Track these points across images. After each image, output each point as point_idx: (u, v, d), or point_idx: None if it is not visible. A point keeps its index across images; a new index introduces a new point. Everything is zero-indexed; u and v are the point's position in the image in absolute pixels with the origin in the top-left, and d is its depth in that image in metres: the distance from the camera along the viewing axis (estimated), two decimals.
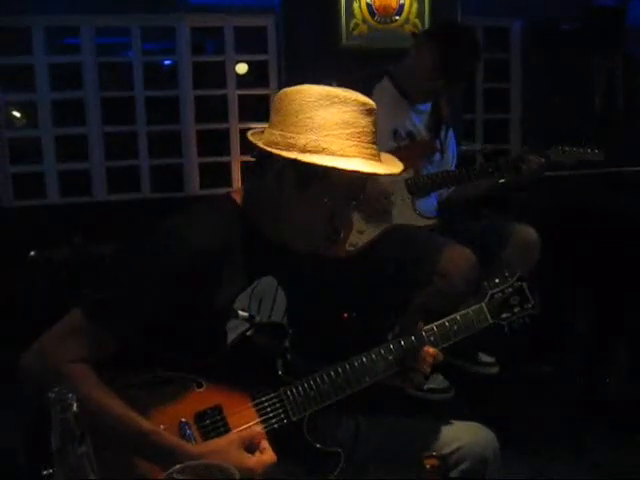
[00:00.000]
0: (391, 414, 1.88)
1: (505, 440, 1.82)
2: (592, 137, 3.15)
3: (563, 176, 4.00)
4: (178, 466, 1.07)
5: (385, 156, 1.64)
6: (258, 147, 1.56)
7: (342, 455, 1.63)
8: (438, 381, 2.96)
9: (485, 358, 3.09)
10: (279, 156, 1.52)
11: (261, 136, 1.60)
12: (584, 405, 3.15)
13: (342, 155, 1.49)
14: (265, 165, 1.60)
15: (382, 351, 1.70)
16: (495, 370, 3.09)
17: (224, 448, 1.46)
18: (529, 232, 3.05)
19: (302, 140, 1.50)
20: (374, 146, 1.55)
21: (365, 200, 2.73)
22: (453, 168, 3.11)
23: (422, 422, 1.85)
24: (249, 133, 1.62)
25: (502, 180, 2.97)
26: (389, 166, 1.60)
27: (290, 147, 1.51)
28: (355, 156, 1.51)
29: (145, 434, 1.43)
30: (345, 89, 1.57)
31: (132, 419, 1.44)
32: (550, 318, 2.03)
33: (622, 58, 4.50)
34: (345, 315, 2.49)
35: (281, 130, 1.54)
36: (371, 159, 1.53)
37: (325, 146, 1.49)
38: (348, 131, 1.51)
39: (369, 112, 1.54)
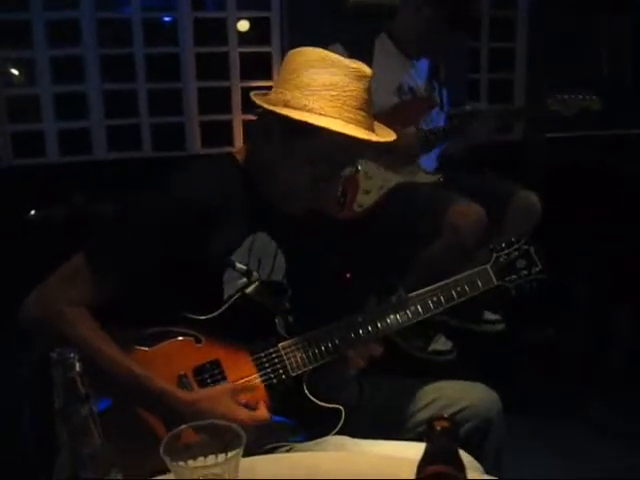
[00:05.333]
0: (395, 376, 1.88)
1: (507, 402, 1.83)
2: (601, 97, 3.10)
3: (568, 137, 3.97)
4: (184, 426, 1.06)
5: (380, 127, 1.64)
6: (254, 102, 1.60)
7: (343, 413, 1.64)
8: (441, 342, 2.97)
9: (490, 316, 3.09)
10: (268, 111, 1.56)
11: (263, 96, 1.63)
12: (587, 368, 3.16)
13: (321, 114, 1.51)
14: (257, 121, 1.65)
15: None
16: (501, 327, 3.10)
17: (216, 396, 1.50)
18: (530, 196, 3.05)
19: (288, 96, 1.55)
20: (361, 112, 1.55)
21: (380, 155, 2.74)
22: None
23: (426, 383, 1.85)
24: (252, 93, 1.64)
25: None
26: (375, 134, 1.58)
27: (277, 102, 1.56)
28: (335, 117, 1.51)
29: (136, 377, 1.47)
30: (344, 57, 1.59)
31: (125, 362, 1.48)
32: (553, 281, 2.02)
33: (630, 20, 4.42)
34: (348, 276, 2.48)
35: (276, 88, 1.60)
36: (352, 123, 1.52)
37: (306, 103, 1.52)
38: (334, 93, 1.52)
39: (360, 78, 1.55)
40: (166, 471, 1.05)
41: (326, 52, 1.58)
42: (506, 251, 1.84)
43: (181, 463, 0.99)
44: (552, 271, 1.87)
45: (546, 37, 4.31)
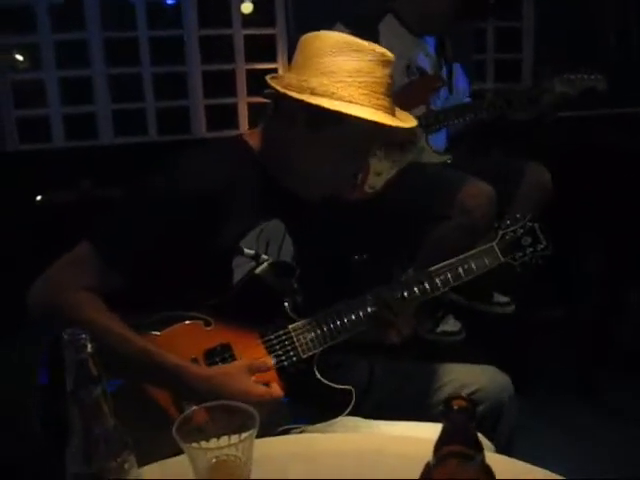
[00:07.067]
0: (406, 358, 1.87)
1: (517, 384, 1.82)
2: (606, 76, 3.08)
3: (576, 117, 3.93)
4: (195, 407, 1.05)
5: (399, 112, 1.61)
6: (272, 88, 1.53)
7: (354, 394, 1.63)
8: (450, 324, 2.96)
9: (500, 298, 3.08)
10: (291, 98, 1.49)
11: (279, 80, 1.58)
12: (597, 348, 3.14)
13: (351, 102, 1.47)
14: (279, 108, 1.59)
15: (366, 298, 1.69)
16: (510, 309, 3.09)
17: (231, 372, 1.48)
18: (542, 171, 3.04)
19: (313, 83, 1.49)
20: (388, 98, 1.52)
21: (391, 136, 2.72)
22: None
23: (438, 366, 1.84)
24: (268, 77, 1.58)
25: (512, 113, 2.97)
26: (401, 120, 1.56)
27: (302, 90, 1.50)
28: (364, 105, 1.48)
29: (150, 355, 1.45)
30: (365, 40, 1.54)
31: (138, 342, 1.46)
32: (563, 261, 2.00)
33: None
34: (356, 257, 2.47)
35: (296, 73, 1.54)
36: (381, 110, 1.50)
37: (334, 91, 1.48)
38: (361, 79, 1.48)
39: (386, 64, 1.52)
40: (177, 454, 1.04)
41: (348, 36, 1.53)
42: (511, 228, 1.83)
43: (194, 444, 0.98)
44: (564, 250, 1.86)
45: (553, 16, 4.26)
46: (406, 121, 1.58)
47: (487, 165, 3.07)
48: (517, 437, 1.82)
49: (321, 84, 1.49)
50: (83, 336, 0.91)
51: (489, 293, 3.06)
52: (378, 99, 1.50)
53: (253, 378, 1.50)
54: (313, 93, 1.49)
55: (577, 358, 3.11)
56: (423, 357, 1.96)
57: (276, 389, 1.51)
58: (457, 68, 3.12)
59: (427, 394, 1.76)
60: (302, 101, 1.49)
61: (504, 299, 3.10)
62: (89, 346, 0.91)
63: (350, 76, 1.48)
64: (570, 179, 3.32)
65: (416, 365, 1.85)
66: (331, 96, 1.48)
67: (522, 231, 1.83)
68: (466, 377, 1.78)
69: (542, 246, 1.83)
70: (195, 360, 1.54)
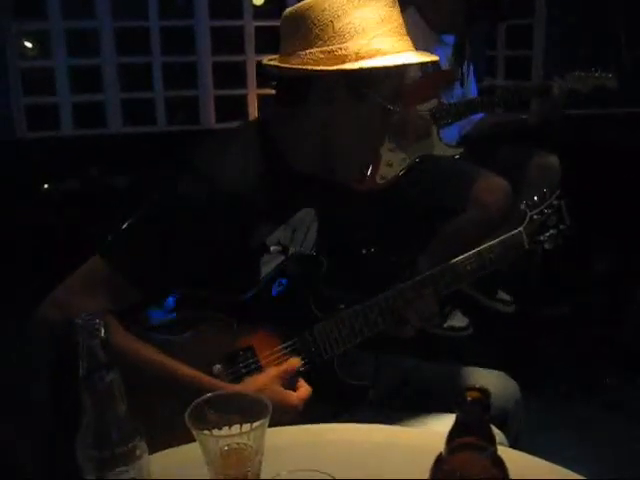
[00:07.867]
0: (412, 355, 1.83)
1: (522, 381, 1.79)
2: (619, 75, 3.07)
3: (586, 114, 3.92)
4: (206, 396, 1.04)
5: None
6: (301, 70, 1.41)
7: (369, 388, 1.61)
8: (457, 319, 2.96)
9: (503, 296, 3.08)
10: (329, 73, 1.39)
11: (285, 62, 1.45)
12: (601, 346, 3.14)
13: (395, 52, 1.39)
14: (304, 90, 1.46)
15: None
16: (511, 309, 3.09)
17: (266, 386, 1.39)
18: (550, 158, 3.05)
19: (352, 48, 1.37)
20: (410, 39, 1.46)
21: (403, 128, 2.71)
22: None
23: (446, 368, 1.80)
24: (275, 62, 1.47)
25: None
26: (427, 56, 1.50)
27: (341, 59, 1.38)
28: (405, 50, 1.42)
29: (183, 379, 1.38)
30: None
31: (168, 364, 1.38)
32: (569, 258, 1.98)
33: None
34: (364, 251, 2.46)
35: (319, 47, 1.40)
36: (414, 51, 1.44)
37: (378, 47, 1.38)
38: (389, 27, 1.41)
39: (394, 3, 1.44)
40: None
41: None
42: (539, 208, 1.76)
43: (206, 432, 0.98)
44: (568, 247, 1.83)
45: (564, 13, 4.25)
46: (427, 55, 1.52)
47: (496, 159, 3.07)
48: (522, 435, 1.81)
49: (361, 45, 1.38)
50: (97, 321, 0.90)
51: (494, 288, 3.07)
52: (407, 42, 1.44)
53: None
54: (357, 59, 1.37)
55: (579, 357, 3.10)
56: (428, 354, 1.94)
57: (305, 389, 1.45)
58: (471, 69, 3.12)
59: (436, 396, 1.72)
60: (342, 72, 1.38)
61: (507, 297, 3.10)
62: (102, 331, 0.90)
63: (380, 27, 1.39)
64: (576, 177, 3.31)
65: (423, 365, 1.80)
66: (376, 54, 1.38)
67: (549, 211, 1.77)
68: (476, 382, 1.71)
69: (565, 226, 1.78)
70: (216, 365, 1.46)
